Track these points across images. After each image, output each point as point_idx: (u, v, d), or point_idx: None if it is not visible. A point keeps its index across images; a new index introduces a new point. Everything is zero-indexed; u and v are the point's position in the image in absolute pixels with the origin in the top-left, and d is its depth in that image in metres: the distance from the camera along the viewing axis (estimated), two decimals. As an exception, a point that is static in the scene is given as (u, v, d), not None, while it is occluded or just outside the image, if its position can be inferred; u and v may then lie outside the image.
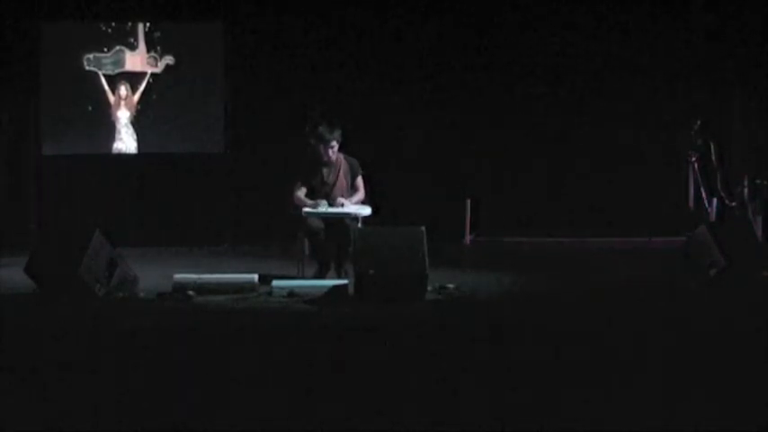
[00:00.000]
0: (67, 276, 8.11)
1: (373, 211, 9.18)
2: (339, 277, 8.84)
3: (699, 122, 10.90)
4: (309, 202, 9.02)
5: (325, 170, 9.15)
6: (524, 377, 5.73)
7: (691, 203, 11.07)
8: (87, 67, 11.82)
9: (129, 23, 11.87)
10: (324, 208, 8.96)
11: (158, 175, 11.95)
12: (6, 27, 11.63)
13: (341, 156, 9.21)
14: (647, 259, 10.04)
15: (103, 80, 11.84)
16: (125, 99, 11.90)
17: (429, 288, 8.28)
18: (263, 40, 11.93)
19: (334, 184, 9.15)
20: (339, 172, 9.17)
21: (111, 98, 11.89)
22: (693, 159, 10.86)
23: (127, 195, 11.82)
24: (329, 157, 9.11)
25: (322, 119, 9.37)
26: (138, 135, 11.94)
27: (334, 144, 9.10)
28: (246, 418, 5.00)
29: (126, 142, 11.95)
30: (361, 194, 9.22)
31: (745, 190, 10.87)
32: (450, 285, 8.58)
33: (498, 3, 12.04)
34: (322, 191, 9.11)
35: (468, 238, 11.78)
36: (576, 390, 5.44)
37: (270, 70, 11.91)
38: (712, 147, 11.01)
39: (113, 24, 11.84)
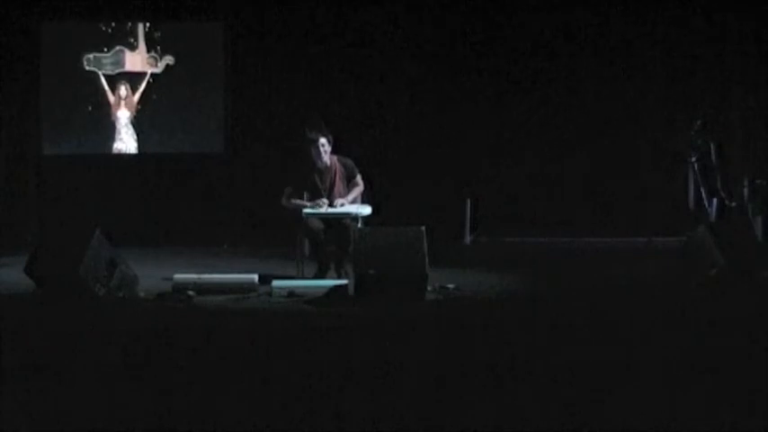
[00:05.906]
0: (67, 276, 8.10)
1: (373, 210, 9.17)
2: (339, 277, 8.83)
3: (699, 122, 10.89)
4: (307, 203, 9.01)
5: (318, 176, 9.12)
6: (524, 377, 5.73)
7: (691, 203, 11.06)
8: (87, 67, 11.83)
9: (129, 23, 11.89)
10: (324, 208, 8.96)
11: (158, 175, 11.96)
12: (6, 27, 11.63)
13: (335, 158, 9.17)
14: (647, 259, 10.03)
15: (103, 80, 11.85)
16: (125, 99, 11.90)
17: (429, 288, 8.27)
18: (263, 40, 11.94)
19: (331, 188, 9.12)
20: (335, 176, 9.14)
21: (111, 98, 11.89)
22: (693, 159, 10.85)
23: (127, 195, 11.82)
24: (322, 161, 9.08)
25: (315, 123, 9.34)
26: (138, 135, 11.95)
27: (325, 144, 9.05)
28: (246, 418, 5.00)
29: (126, 142, 11.95)
30: (360, 188, 9.20)
31: (745, 190, 10.87)
32: (450, 285, 8.57)
33: (499, 3, 12.04)
34: (319, 196, 9.08)
35: (468, 238, 11.78)
36: (576, 389, 5.44)
37: (270, 70, 11.92)
38: (712, 147, 11.00)
39: (113, 24, 11.85)
